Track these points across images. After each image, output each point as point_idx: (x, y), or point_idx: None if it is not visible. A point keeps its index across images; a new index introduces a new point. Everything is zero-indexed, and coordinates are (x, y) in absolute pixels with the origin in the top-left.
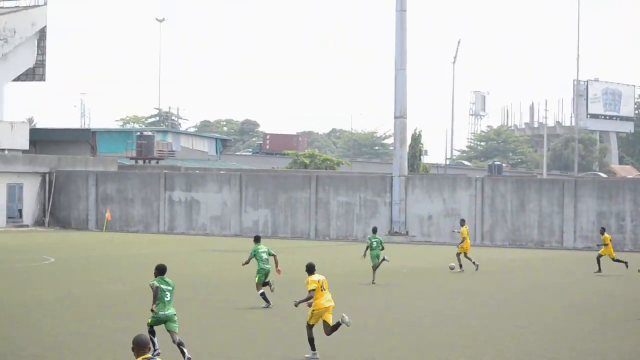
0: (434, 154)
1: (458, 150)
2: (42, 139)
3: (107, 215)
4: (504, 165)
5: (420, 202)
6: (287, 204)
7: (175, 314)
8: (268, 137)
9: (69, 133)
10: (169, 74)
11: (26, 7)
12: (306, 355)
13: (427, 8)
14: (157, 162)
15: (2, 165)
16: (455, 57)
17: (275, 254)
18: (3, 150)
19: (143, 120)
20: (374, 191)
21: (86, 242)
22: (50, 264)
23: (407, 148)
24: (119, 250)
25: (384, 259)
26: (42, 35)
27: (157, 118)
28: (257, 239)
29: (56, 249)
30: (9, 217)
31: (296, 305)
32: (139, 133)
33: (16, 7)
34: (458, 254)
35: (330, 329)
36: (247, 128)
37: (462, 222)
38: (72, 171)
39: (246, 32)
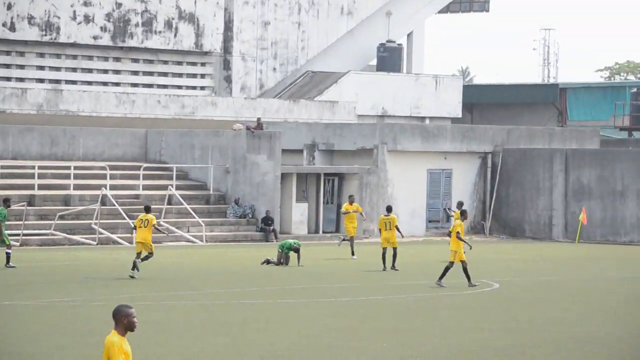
0: None
1: None
2: (482, 102)
3: (582, 217)
4: None
5: None
6: None
7: None
8: None
9: (524, 91)
10: None
11: None
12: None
13: None
14: None
15: (421, 142)
16: None
17: None
18: (423, 119)
19: None
20: None
21: (544, 259)
22: (492, 291)
23: None
24: (590, 272)
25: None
26: None
27: None
28: None
29: (501, 268)
30: (430, 221)
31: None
32: (635, 89)
33: None
34: None
35: None
36: None
37: None
38: (528, 150)
39: None
